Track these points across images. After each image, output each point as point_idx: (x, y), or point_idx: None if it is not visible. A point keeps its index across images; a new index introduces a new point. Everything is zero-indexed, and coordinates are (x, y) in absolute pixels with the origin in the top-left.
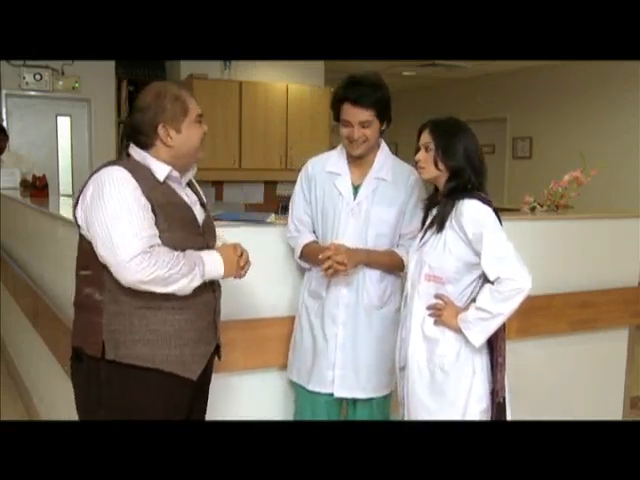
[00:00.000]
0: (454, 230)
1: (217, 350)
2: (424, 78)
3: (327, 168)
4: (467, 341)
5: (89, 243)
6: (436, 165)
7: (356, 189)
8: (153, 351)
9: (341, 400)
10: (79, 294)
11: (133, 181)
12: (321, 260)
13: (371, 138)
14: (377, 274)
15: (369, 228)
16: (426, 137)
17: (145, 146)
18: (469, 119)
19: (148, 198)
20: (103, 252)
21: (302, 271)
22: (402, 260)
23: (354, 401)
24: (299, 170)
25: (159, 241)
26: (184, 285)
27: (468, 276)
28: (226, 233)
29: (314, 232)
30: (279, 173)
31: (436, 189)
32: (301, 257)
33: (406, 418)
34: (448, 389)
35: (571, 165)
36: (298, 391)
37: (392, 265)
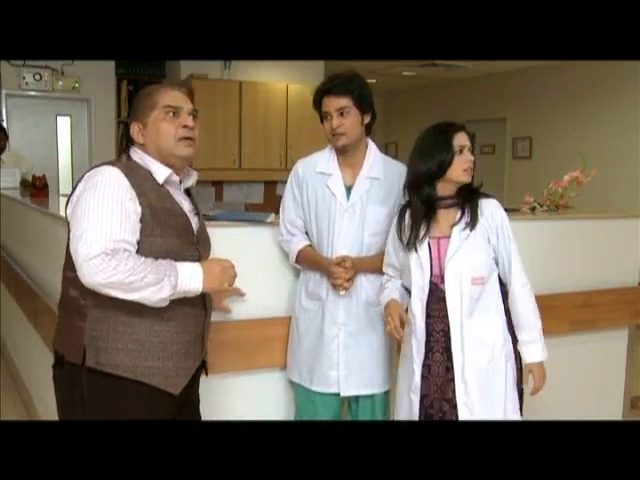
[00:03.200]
0: (488, 228)
1: (204, 365)
2: (424, 78)
3: (317, 169)
4: (508, 341)
5: None
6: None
7: (348, 189)
8: (135, 362)
9: (343, 398)
10: (64, 296)
11: (124, 182)
12: (332, 274)
13: (352, 128)
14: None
15: (365, 228)
16: (466, 140)
17: (139, 146)
18: (469, 119)
19: (142, 202)
20: (71, 249)
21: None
22: None
23: (356, 398)
24: None
25: (131, 249)
26: (149, 294)
27: (495, 272)
28: (225, 234)
29: (306, 233)
30: (279, 173)
31: (430, 196)
32: (297, 262)
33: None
34: (495, 389)
35: (571, 165)
36: (299, 392)
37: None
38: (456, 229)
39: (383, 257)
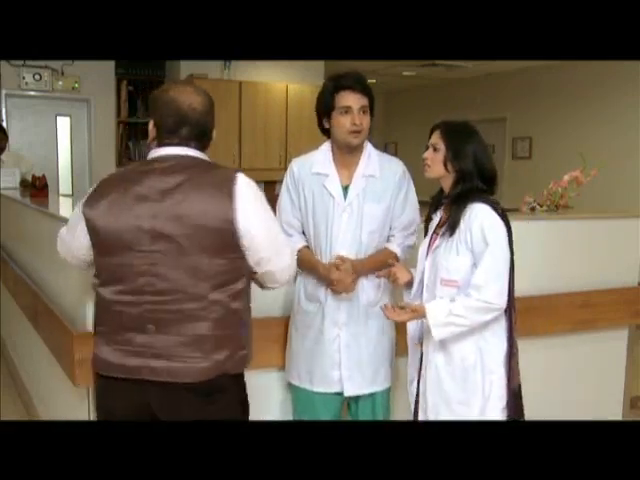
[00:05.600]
0: (465, 233)
1: None
2: (424, 78)
3: (314, 169)
4: (486, 341)
5: (241, 258)
6: (445, 166)
7: (345, 188)
8: (250, 350)
9: (343, 399)
10: (220, 315)
11: None
12: (333, 281)
13: (367, 128)
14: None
15: (362, 226)
16: (436, 138)
17: (202, 149)
18: (469, 119)
19: None
20: (274, 259)
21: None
22: (395, 254)
23: (356, 399)
24: None
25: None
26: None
27: None
28: None
29: (303, 233)
30: (279, 173)
31: (441, 190)
32: None
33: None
34: (469, 391)
35: (571, 165)
36: (299, 394)
37: (386, 263)
38: (442, 229)
39: (383, 255)
